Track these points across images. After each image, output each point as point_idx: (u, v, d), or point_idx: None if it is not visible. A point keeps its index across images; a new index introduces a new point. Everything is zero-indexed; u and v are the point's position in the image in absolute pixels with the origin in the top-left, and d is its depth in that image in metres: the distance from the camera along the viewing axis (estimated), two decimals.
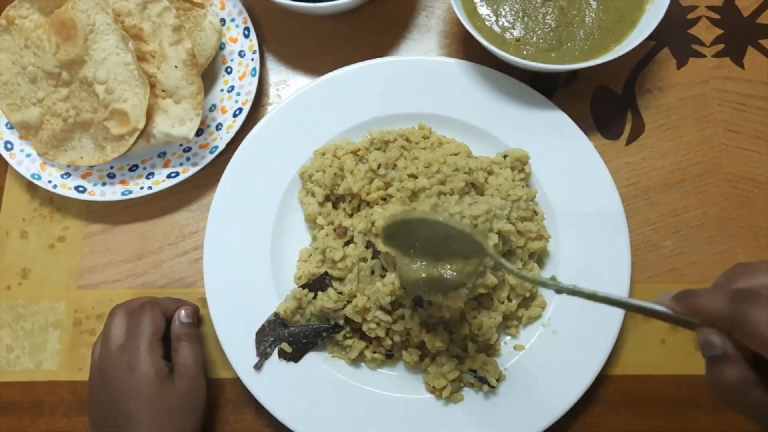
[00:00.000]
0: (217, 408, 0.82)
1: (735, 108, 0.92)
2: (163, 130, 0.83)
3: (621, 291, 0.80)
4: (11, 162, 0.87)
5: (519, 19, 0.88)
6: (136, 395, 0.72)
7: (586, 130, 0.87)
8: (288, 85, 0.95)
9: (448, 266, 0.71)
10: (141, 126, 0.81)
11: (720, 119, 0.92)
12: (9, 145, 0.88)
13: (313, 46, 0.96)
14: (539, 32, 0.87)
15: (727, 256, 0.86)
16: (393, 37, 0.97)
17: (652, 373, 0.83)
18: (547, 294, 0.82)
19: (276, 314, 0.80)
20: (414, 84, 0.89)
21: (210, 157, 0.87)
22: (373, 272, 0.78)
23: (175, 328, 0.78)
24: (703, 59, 0.94)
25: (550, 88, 0.93)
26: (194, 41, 0.86)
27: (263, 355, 0.79)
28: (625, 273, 0.80)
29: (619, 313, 0.79)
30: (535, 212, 0.83)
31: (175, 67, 0.82)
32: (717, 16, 0.97)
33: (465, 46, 0.96)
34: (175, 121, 0.83)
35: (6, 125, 0.89)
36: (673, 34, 0.96)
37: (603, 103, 0.93)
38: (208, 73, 0.90)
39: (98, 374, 0.75)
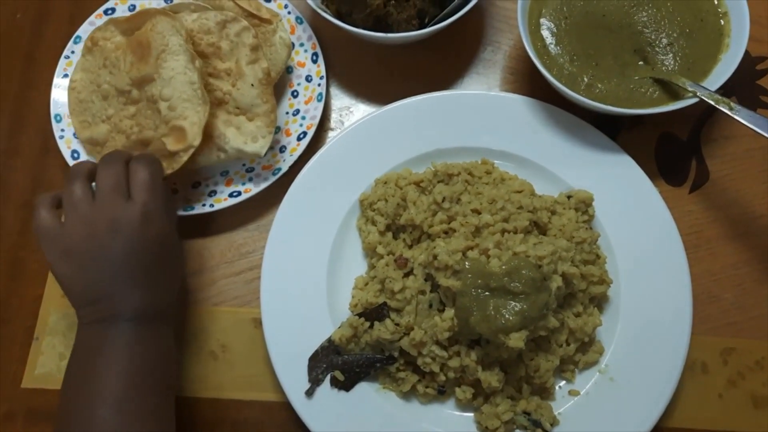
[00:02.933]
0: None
1: None
2: (235, 146, 0.84)
3: (681, 343, 0.78)
4: None
5: (587, 61, 0.88)
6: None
7: (649, 175, 0.86)
8: (351, 112, 0.95)
9: (511, 307, 0.71)
10: (196, 144, 0.81)
11: None
12: (75, 155, 0.89)
13: (378, 76, 0.97)
14: (607, 76, 0.87)
15: None
16: (458, 71, 0.97)
17: (708, 428, 0.81)
18: (605, 340, 0.80)
19: (330, 340, 0.79)
20: (478, 118, 0.89)
21: (272, 179, 0.87)
22: (431, 306, 0.77)
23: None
24: None
25: (613, 130, 0.92)
26: (265, 56, 0.87)
27: (315, 382, 0.78)
28: (686, 324, 0.79)
29: (678, 364, 0.77)
30: (598, 256, 0.82)
31: (252, 85, 0.83)
32: None
33: (530, 83, 0.96)
34: (248, 138, 0.84)
35: (73, 134, 0.90)
36: (741, 84, 0.95)
37: (667, 148, 0.92)
38: (275, 96, 0.91)
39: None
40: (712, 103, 0.79)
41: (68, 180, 0.72)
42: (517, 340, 0.71)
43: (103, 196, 0.71)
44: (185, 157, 0.81)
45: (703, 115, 0.94)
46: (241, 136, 0.85)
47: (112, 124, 0.85)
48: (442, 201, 0.81)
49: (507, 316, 0.71)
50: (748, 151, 0.92)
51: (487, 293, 0.72)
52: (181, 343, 0.84)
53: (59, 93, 0.91)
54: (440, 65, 0.97)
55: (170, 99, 0.80)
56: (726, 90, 0.94)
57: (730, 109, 0.77)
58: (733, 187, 0.90)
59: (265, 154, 0.89)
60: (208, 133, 0.85)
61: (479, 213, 0.80)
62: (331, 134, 0.94)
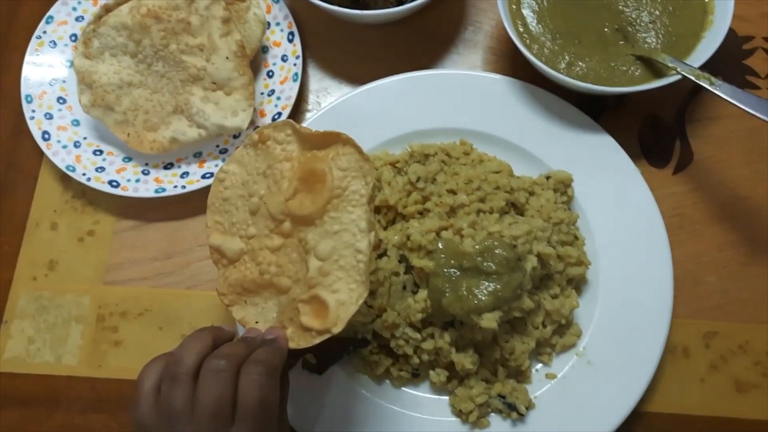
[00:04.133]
0: None
1: None
2: (216, 121, 0.83)
3: (661, 326, 0.76)
4: (47, 152, 0.87)
5: (569, 40, 0.86)
6: None
7: (633, 156, 0.84)
8: (329, 92, 0.94)
9: (484, 287, 0.70)
10: (336, 331, 0.61)
11: None
12: (46, 136, 0.87)
13: (357, 56, 0.95)
14: (589, 53, 0.85)
15: None
16: (438, 51, 0.95)
17: (689, 413, 0.79)
18: (582, 323, 0.79)
19: None
20: (457, 99, 0.87)
21: None
22: (404, 287, 0.75)
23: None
24: (758, 91, 0.91)
25: (597, 111, 0.90)
26: (239, 33, 0.86)
27: (287, 365, 0.76)
28: (666, 307, 0.77)
29: (657, 348, 0.76)
30: (576, 237, 0.80)
31: (227, 58, 0.82)
32: None
33: (512, 63, 0.94)
34: (228, 113, 0.83)
35: (45, 115, 0.88)
36: (728, 64, 0.93)
37: (651, 129, 0.90)
38: None
39: None
40: (693, 78, 0.77)
41: (172, 377, 0.57)
42: (489, 321, 0.69)
43: (201, 417, 0.55)
44: (316, 341, 0.62)
45: (688, 95, 0.92)
46: (221, 111, 0.83)
47: (249, 246, 0.67)
48: (417, 181, 0.79)
49: (479, 296, 0.69)
50: (733, 132, 0.90)
51: (459, 273, 0.71)
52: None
53: (30, 70, 0.90)
54: (420, 46, 0.95)
55: (325, 259, 0.62)
56: (712, 70, 0.91)
57: (711, 84, 0.75)
58: (718, 169, 0.88)
59: (240, 135, 0.87)
60: (181, 110, 0.84)
61: (455, 193, 0.79)
62: (308, 116, 0.93)
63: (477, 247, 0.71)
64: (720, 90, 0.75)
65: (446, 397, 0.77)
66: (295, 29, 0.91)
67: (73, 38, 0.93)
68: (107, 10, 0.85)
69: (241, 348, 0.59)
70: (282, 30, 0.92)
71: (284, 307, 0.65)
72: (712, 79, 0.76)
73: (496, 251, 0.70)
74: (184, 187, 0.84)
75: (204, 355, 0.58)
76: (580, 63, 0.85)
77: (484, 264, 0.70)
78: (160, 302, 0.84)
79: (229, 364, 0.56)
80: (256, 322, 0.67)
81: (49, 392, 0.82)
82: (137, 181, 0.85)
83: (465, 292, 0.70)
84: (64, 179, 0.90)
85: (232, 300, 0.68)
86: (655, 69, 0.83)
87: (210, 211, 0.69)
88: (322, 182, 0.62)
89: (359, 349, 0.77)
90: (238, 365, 0.57)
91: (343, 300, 0.61)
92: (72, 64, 0.89)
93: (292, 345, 0.63)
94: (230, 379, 0.56)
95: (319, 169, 0.63)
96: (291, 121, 0.66)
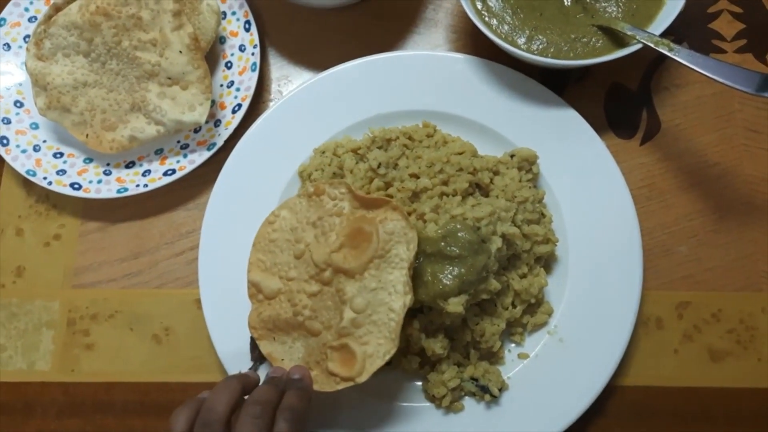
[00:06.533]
0: None
1: (756, 107, 0.87)
2: (173, 117, 0.82)
3: (632, 298, 0.76)
4: (6, 158, 0.85)
5: (530, 13, 0.84)
6: None
7: (599, 129, 0.83)
8: (290, 80, 0.92)
9: (449, 272, 0.69)
10: (360, 381, 0.66)
11: (740, 118, 0.87)
12: (5, 141, 0.86)
13: (317, 41, 0.93)
14: (550, 26, 0.84)
15: (746, 263, 0.82)
16: (399, 32, 0.94)
17: (664, 384, 0.79)
18: (553, 300, 0.78)
19: None
20: (419, 80, 0.86)
21: (207, 155, 0.84)
22: None
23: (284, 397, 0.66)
24: (724, 55, 0.90)
25: (561, 84, 0.89)
26: (194, 25, 0.84)
27: (258, 360, 0.76)
28: (636, 279, 0.77)
29: (629, 321, 0.75)
30: (543, 215, 0.79)
31: (180, 52, 0.80)
32: (739, 10, 0.92)
33: (474, 41, 0.92)
34: (185, 108, 0.82)
35: (2, 120, 0.87)
36: (693, 29, 0.92)
37: (617, 100, 0.89)
38: (208, 67, 0.88)
39: None
40: (652, 45, 0.75)
41: (205, 424, 0.61)
42: (455, 305, 0.68)
43: None
44: (339, 387, 0.67)
45: (653, 63, 0.90)
46: (178, 107, 0.82)
47: (287, 288, 0.71)
48: (378, 167, 0.78)
49: (444, 281, 0.69)
50: (700, 98, 0.88)
51: (423, 259, 0.70)
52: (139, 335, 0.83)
53: None
54: (380, 28, 0.94)
55: (360, 312, 0.67)
56: (677, 36, 0.91)
57: (670, 50, 0.74)
58: (685, 137, 0.87)
59: (200, 129, 0.86)
60: (138, 106, 0.83)
61: (418, 177, 0.78)
62: (270, 105, 0.91)
63: (439, 231, 0.70)
64: (679, 56, 0.73)
65: (419, 383, 0.77)
66: (251, 18, 0.89)
67: (28, 40, 0.91)
68: (57, 9, 0.84)
69: (273, 392, 0.65)
70: (238, 19, 0.90)
71: (312, 349, 0.70)
72: (671, 45, 0.75)
73: (459, 234, 0.70)
74: (146, 185, 0.83)
75: (234, 404, 0.63)
76: (540, 36, 0.83)
77: (448, 248, 0.69)
78: (129, 303, 0.84)
79: (265, 411, 0.62)
80: (282, 360, 0.71)
81: (23, 399, 0.81)
82: (99, 182, 0.84)
83: (430, 278, 0.69)
84: (27, 184, 0.89)
85: (262, 335, 0.72)
86: (617, 39, 0.82)
87: (255, 249, 0.74)
88: (368, 242, 0.67)
89: None
90: (274, 410, 0.63)
91: (370, 353, 0.66)
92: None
93: (316, 387, 0.68)
94: (267, 425, 0.61)
95: (366, 230, 0.68)
96: (346, 181, 0.73)
